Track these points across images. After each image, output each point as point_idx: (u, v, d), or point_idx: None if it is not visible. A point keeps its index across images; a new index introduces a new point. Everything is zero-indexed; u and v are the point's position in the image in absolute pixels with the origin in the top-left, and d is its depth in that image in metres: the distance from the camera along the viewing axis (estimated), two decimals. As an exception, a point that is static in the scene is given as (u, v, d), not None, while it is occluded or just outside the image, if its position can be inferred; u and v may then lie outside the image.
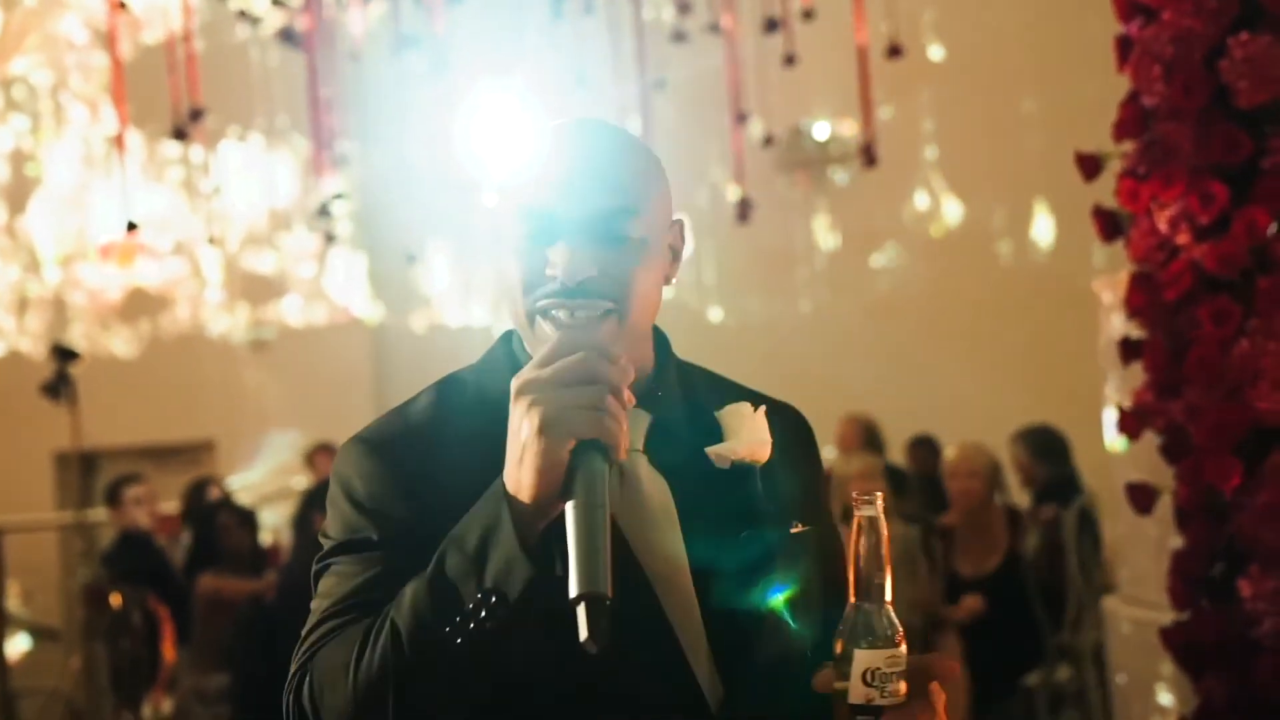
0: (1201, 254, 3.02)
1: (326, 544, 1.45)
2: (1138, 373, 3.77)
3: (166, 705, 6.98)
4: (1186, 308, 3.07)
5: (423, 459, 1.43)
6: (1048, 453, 6.00)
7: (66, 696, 8.06)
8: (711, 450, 1.48)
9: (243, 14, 6.86)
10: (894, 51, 6.46)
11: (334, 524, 1.46)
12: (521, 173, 1.44)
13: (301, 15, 5.94)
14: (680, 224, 1.53)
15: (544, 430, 1.25)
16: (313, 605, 1.42)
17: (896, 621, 1.36)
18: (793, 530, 1.51)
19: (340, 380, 10.69)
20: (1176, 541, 4.04)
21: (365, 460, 1.45)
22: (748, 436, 1.49)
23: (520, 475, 1.27)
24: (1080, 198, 10.12)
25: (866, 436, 6.66)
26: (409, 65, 6.06)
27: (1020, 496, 6.45)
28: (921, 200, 9.97)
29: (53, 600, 9.54)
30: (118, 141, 5.87)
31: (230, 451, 10.82)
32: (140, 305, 9.84)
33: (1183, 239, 3.06)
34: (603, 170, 1.43)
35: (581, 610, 1.18)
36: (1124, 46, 3.23)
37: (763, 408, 1.52)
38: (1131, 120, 3.22)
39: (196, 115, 5.96)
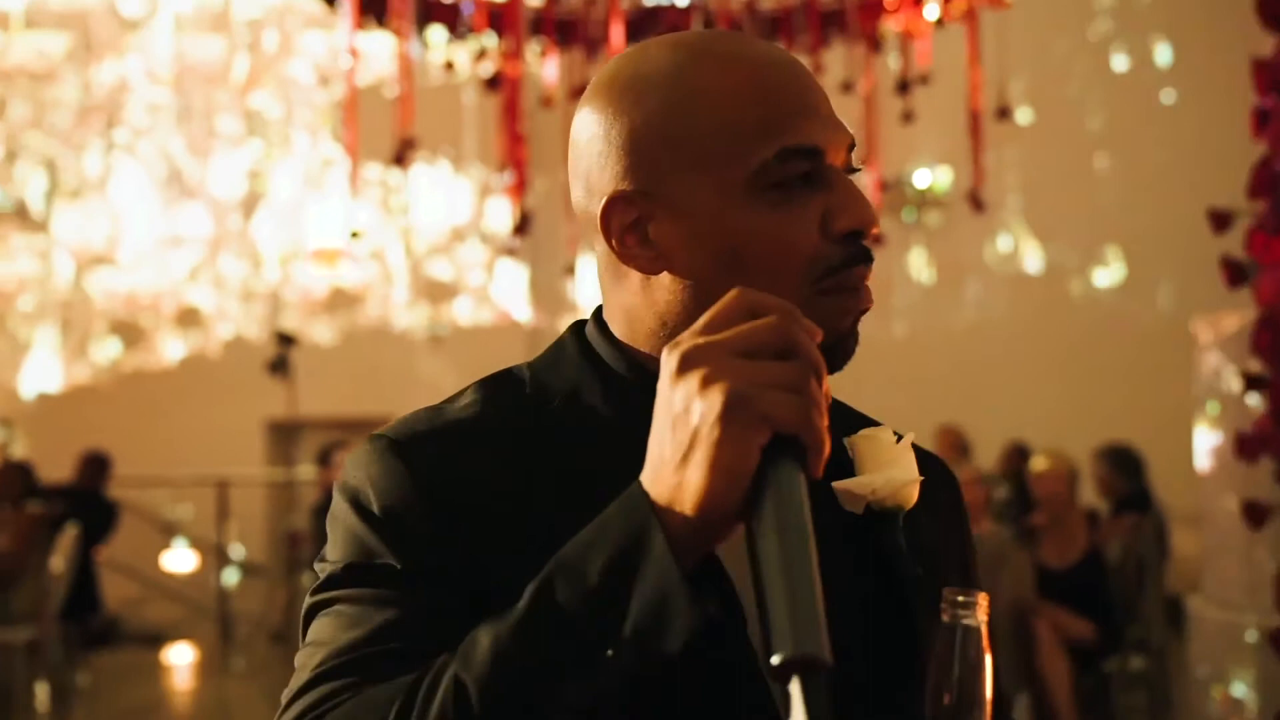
0: (1329, 304, 2.88)
1: (325, 572, 0.89)
2: (1235, 403, 3.64)
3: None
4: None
5: (462, 464, 0.89)
6: (1127, 468, 5.85)
7: (272, 624, 8.23)
8: (841, 486, 0.92)
9: (449, 65, 6.96)
10: (1003, 113, 6.35)
11: (337, 546, 0.90)
12: (759, 105, 0.87)
13: (504, 63, 5.99)
14: None
15: (730, 415, 0.72)
16: (301, 658, 0.86)
17: None
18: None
19: (500, 373, 10.81)
20: (1262, 552, 3.92)
21: (385, 461, 0.89)
22: (890, 472, 0.93)
23: (685, 478, 0.73)
24: (1147, 245, 9.96)
25: (959, 445, 6.54)
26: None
27: (1095, 503, 6.34)
28: (1005, 242, 9.87)
29: (259, 543, 9.74)
30: (349, 167, 5.97)
31: (406, 426, 10.95)
32: (340, 301, 10.03)
33: (1311, 289, 2.92)
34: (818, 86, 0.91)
35: (796, 685, 0.67)
36: (1261, 117, 3.10)
37: (910, 435, 0.96)
38: (1264, 181, 3.08)
39: (409, 145, 6.04)
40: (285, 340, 7.88)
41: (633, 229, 0.88)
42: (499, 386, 0.94)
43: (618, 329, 0.93)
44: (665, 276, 0.88)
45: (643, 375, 0.90)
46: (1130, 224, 9.39)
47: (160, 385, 9.67)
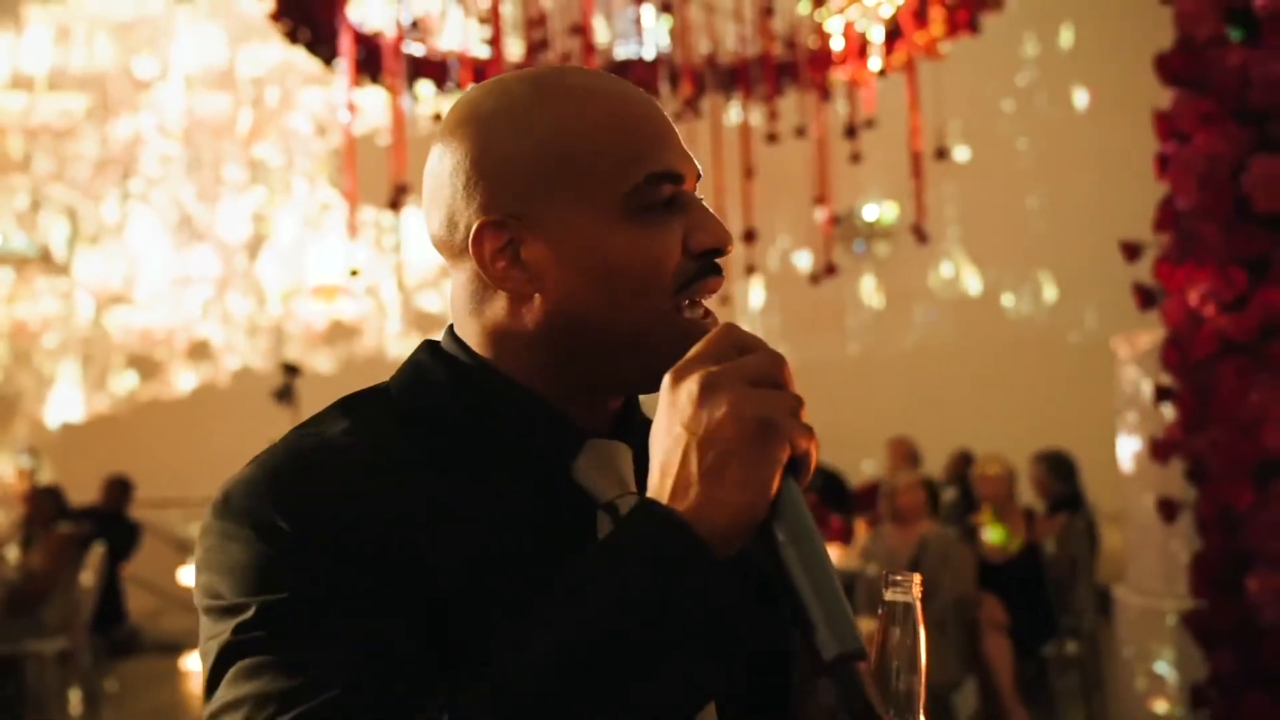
0: (1225, 324, 3.06)
1: (231, 619, 0.75)
2: (1150, 412, 3.81)
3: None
4: (1211, 365, 3.10)
5: (360, 485, 0.78)
6: (1062, 472, 5.99)
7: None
8: None
9: (437, 116, 7.09)
10: (941, 153, 6.51)
11: (241, 578, 0.76)
12: (624, 135, 0.84)
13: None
14: None
15: (765, 437, 0.72)
16: (243, 713, 0.73)
17: None
18: None
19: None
20: (1177, 544, 4.08)
21: (288, 486, 0.77)
22: None
23: (717, 494, 0.72)
24: (1074, 271, 10.13)
25: (910, 454, 6.67)
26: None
27: (1032, 503, 6.46)
28: (946, 269, 10.02)
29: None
30: (348, 211, 6.06)
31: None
32: (339, 333, 10.08)
33: (1209, 312, 3.10)
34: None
35: (846, 678, 0.70)
36: (1163, 161, 3.28)
37: None
38: (1167, 217, 3.26)
39: (402, 190, 6.15)
40: (289, 370, 7.94)
41: (503, 252, 0.84)
42: (367, 409, 0.86)
43: (480, 350, 0.87)
44: (536, 297, 0.84)
45: (513, 391, 0.86)
46: (1058, 252, 9.57)
47: (174, 413, 9.69)
